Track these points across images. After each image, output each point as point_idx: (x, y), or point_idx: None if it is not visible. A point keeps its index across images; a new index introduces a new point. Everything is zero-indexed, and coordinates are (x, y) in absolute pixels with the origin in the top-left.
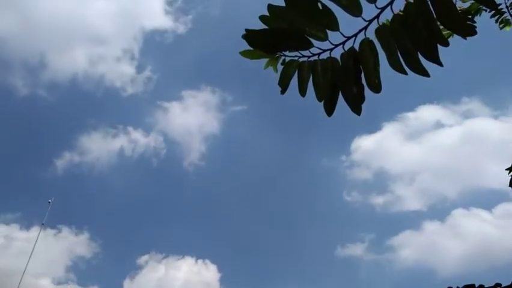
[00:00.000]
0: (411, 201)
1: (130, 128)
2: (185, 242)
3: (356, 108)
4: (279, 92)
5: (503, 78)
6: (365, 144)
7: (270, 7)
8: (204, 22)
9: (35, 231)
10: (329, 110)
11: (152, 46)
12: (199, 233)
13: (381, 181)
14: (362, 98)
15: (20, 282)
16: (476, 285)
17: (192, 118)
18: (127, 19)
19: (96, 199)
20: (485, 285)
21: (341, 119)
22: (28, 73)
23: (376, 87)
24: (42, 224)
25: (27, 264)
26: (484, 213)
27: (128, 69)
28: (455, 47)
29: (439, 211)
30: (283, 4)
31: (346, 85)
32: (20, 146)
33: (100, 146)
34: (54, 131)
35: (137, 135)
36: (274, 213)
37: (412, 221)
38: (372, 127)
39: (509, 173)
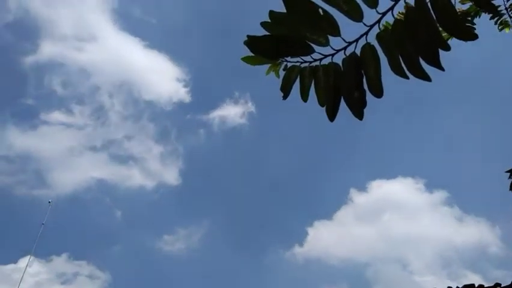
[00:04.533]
0: None
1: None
2: None
3: (358, 113)
4: (281, 98)
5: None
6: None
7: (272, 13)
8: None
9: None
10: (331, 115)
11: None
12: None
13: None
14: (363, 103)
15: (19, 283)
16: (476, 285)
17: (182, 242)
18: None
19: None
20: (485, 285)
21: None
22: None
23: (378, 92)
24: (43, 224)
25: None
26: None
27: None
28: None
29: None
30: (284, 10)
31: (348, 90)
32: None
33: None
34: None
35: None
36: None
37: None
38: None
39: (509, 176)
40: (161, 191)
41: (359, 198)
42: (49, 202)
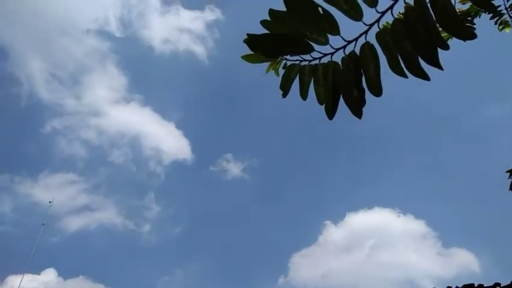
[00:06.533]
0: None
1: None
2: None
3: (357, 112)
4: (280, 96)
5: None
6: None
7: (271, 12)
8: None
9: None
10: (330, 113)
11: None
12: None
13: None
14: (362, 102)
15: (20, 283)
16: (476, 285)
17: (179, 281)
18: None
19: None
20: (485, 285)
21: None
22: None
23: (377, 91)
24: (43, 224)
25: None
26: None
27: None
28: (455, 49)
29: None
30: (284, 9)
31: (347, 89)
32: None
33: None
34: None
35: None
36: None
37: None
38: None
39: (509, 176)
40: (162, 237)
41: (335, 230)
42: (49, 202)
